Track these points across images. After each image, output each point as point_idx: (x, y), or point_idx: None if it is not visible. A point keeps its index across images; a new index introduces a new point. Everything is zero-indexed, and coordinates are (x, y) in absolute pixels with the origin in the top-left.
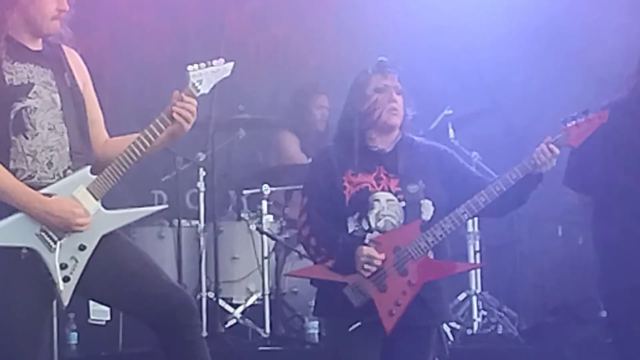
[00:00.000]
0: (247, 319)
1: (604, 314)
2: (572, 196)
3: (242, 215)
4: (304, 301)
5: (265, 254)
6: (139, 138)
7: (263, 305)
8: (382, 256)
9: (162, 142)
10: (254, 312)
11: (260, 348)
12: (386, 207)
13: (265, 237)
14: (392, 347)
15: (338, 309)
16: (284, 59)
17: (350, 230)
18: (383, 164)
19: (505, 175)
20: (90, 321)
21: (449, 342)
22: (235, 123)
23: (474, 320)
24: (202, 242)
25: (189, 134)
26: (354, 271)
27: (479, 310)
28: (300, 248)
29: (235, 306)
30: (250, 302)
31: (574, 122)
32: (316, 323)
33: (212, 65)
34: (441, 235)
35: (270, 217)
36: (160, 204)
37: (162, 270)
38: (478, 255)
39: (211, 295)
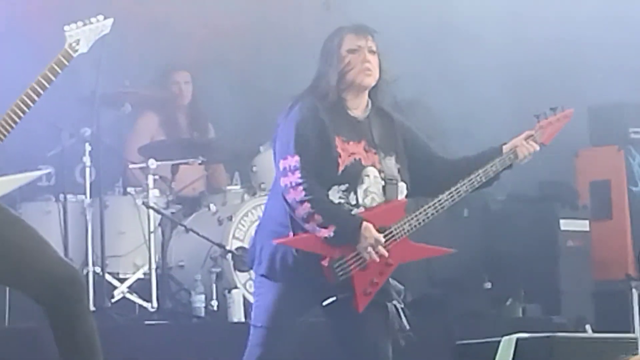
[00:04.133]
0: (133, 293)
1: (488, 285)
2: None
3: (128, 189)
4: (190, 275)
5: (152, 229)
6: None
7: (150, 280)
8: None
9: None
10: (140, 286)
11: (147, 322)
12: (373, 183)
13: (151, 211)
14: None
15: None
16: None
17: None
18: (364, 134)
19: (487, 166)
20: None
21: None
22: (121, 98)
23: None
24: (88, 217)
25: (74, 108)
26: (346, 244)
27: None
28: (187, 222)
29: (122, 280)
30: (136, 276)
31: (546, 120)
32: (203, 297)
33: (90, 22)
34: (424, 220)
35: (157, 192)
36: (47, 180)
37: (49, 244)
38: None
39: (97, 269)
